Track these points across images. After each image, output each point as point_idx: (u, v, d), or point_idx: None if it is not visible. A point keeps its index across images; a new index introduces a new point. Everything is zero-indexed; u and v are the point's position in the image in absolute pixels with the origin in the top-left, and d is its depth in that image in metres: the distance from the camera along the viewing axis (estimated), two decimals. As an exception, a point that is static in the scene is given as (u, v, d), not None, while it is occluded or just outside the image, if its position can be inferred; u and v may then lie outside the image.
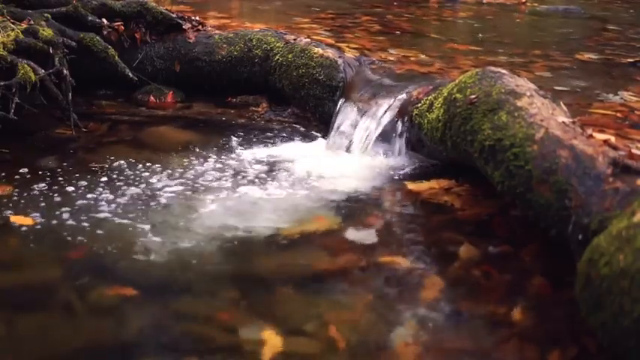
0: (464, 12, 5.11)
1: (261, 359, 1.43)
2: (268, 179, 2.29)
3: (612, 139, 1.73)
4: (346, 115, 2.60)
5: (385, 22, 4.26)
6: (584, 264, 1.38)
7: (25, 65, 2.48)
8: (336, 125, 2.61)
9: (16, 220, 1.94)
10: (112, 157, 2.39)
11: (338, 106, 2.67)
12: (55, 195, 2.09)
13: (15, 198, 2.06)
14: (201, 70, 3.06)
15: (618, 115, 2.44)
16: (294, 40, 2.99)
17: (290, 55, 2.91)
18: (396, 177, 2.33)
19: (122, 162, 2.35)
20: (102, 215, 1.98)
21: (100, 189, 2.15)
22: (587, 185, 1.57)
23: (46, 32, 2.65)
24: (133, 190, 2.15)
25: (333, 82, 2.77)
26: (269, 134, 2.72)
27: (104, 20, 2.95)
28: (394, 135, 2.46)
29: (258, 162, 2.43)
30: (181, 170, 2.32)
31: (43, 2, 2.91)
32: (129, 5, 3.00)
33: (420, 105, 2.37)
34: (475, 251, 1.85)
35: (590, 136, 1.73)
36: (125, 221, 1.95)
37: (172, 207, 2.06)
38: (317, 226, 1.99)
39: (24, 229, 1.89)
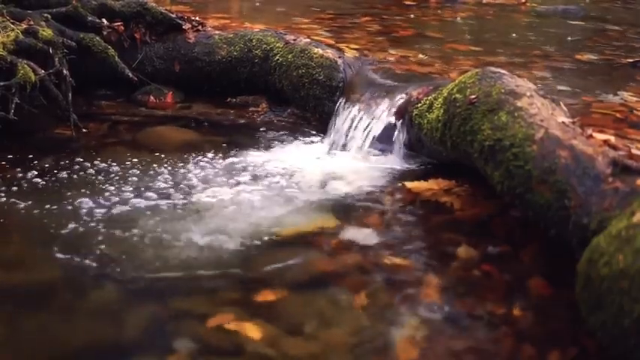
0: (464, 12, 5.11)
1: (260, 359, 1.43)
2: (267, 179, 2.29)
3: (612, 139, 1.73)
4: (346, 115, 2.60)
5: (385, 23, 4.26)
6: (583, 264, 1.38)
7: (25, 65, 2.48)
8: (335, 125, 2.61)
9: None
10: (112, 158, 2.39)
11: (338, 106, 2.67)
12: (55, 195, 2.09)
13: (14, 198, 2.07)
14: (201, 71, 3.06)
15: (618, 115, 2.44)
16: (294, 40, 2.99)
17: (290, 56, 2.91)
18: (396, 177, 2.33)
19: (121, 162, 2.36)
20: (101, 215, 1.98)
21: (99, 189, 2.15)
22: (586, 185, 1.57)
23: (46, 32, 2.64)
24: (132, 190, 2.15)
25: (333, 83, 2.77)
26: (269, 134, 2.72)
27: (104, 20, 2.95)
28: (394, 135, 2.46)
29: (258, 162, 2.43)
30: (181, 171, 2.32)
31: (43, 2, 2.91)
32: (129, 5, 3.00)
33: (419, 105, 2.37)
34: (475, 251, 1.85)
35: (590, 136, 1.73)
36: (124, 221, 1.95)
37: (171, 207, 2.06)
38: (316, 227, 1.99)
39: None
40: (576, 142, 1.68)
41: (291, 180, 2.29)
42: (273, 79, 2.97)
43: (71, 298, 1.64)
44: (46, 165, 2.32)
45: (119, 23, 2.98)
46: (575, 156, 1.64)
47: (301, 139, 2.69)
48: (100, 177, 2.24)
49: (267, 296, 1.65)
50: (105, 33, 2.93)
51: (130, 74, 2.91)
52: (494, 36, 4.19)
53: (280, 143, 2.63)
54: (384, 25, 4.14)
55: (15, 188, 2.14)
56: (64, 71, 2.62)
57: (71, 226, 1.92)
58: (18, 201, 2.05)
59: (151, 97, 3.02)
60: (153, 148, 2.52)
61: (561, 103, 2.00)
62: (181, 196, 2.13)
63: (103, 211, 2.01)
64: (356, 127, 2.54)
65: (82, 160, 2.37)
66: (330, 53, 2.86)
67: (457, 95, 2.09)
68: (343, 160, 2.47)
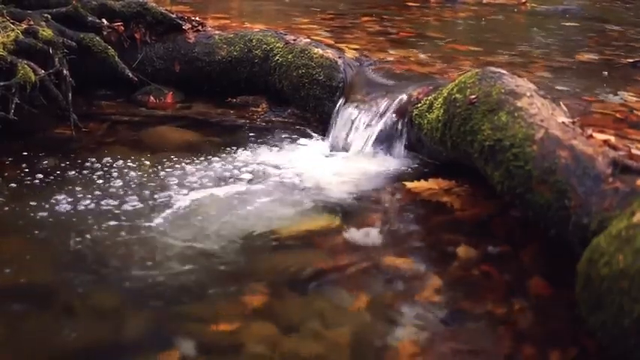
0: (464, 12, 5.11)
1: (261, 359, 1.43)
2: (268, 179, 2.29)
3: (612, 139, 1.73)
4: (346, 115, 2.60)
5: (385, 23, 4.26)
6: (583, 264, 1.39)
7: (25, 65, 2.48)
8: (336, 126, 2.61)
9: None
10: (112, 158, 2.39)
11: (338, 106, 2.68)
12: (55, 195, 2.09)
13: (14, 198, 2.06)
14: (201, 71, 3.06)
15: (618, 115, 2.44)
16: (294, 40, 2.99)
17: (290, 56, 2.91)
18: (396, 177, 2.33)
19: (122, 162, 2.36)
20: (102, 215, 1.98)
21: (100, 189, 2.15)
22: (586, 185, 1.57)
23: (46, 33, 2.64)
24: (133, 190, 2.15)
25: (333, 83, 2.77)
26: (269, 135, 2.72)
27: (104, 21, 2.95)
28: (394, 135, 2.46)
29: (258, 162, 2.43)
30: (181, 171, 2.32)
31: (43, 2, 2.91)
32: (129, 6, 3.00)
33: (419, 105, 2.37)
34: (474, 251, 1.85)
35: (590, 136, 1.73)
36: (124, 221, 1.95)
37: (171, 207, 2.06)
38: (316, 227, 1.99)
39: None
40: (576, 142, 1.68)
41: (291, 180, 2.29)
42: (273, 79, 2.97)
43: (71, 298, 1.64)
44: (46, 165, 2.32)
45: (119, 23, 2.98)
46: (576, 156, 1.64)
47: (301, 139, 2.69)
48: (100, 177, 2.24)
49: (266, 296, 1.65)
50: (105, 33, 2.93)
51: (130, 74, 2.91)
52: (494, 36, 4.19)
53: (280, 143, 2.63)
54: (384, 25, 4.14)
55: (15, 187, 2.14)
56: (64, 71, 2.63)
57: (71, 225, 1.92)
58: (18, 201, 2.05)
59: (151, 97, 3.02)
60: (153, 148, 2.52)
61: (561, 103, 2.00)
62: (181, 196, 2.13)
63: (103, 211, 2.01)
64: (356, 127, 2.54)
65: (82, 160, 2.36)
66: (330, 53, 2.86)
67: (457, 95, 2.09)
68: (343, 160, 2.47)
